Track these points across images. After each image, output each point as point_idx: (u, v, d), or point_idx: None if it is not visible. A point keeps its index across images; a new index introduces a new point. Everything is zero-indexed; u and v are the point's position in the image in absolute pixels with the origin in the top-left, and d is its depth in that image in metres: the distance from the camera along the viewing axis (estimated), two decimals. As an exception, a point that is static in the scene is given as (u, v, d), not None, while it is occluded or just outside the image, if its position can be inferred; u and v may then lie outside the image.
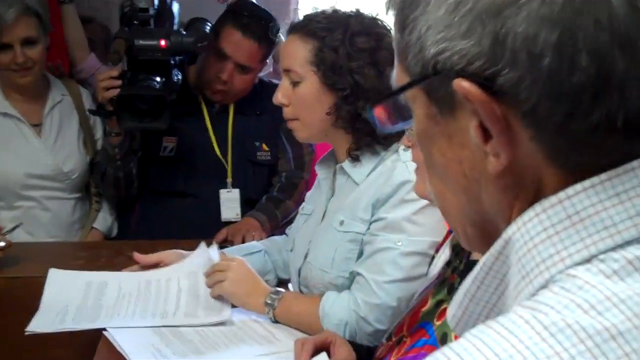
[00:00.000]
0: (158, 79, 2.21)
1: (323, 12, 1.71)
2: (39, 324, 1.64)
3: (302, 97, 1.70)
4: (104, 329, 1.65)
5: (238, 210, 2.51)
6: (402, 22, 0.63)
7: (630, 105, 0.55)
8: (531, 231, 0.58)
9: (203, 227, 2.38)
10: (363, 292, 1.62)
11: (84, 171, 2.49)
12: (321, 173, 1.84)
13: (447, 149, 0.63)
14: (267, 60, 2.58)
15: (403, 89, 0.65)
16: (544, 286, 0.56)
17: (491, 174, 0.60)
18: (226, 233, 2.36)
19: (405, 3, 0.63)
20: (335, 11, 1.72)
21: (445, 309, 1.22)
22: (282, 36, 2.15)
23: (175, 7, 2.29)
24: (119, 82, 2.19)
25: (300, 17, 1.80)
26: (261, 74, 2.64)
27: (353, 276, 1.66)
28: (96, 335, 1.68)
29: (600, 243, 0.56)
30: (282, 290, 1.75)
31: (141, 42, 2.13)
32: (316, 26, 1.67)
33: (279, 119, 2.48)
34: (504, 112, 0.57)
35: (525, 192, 0.60)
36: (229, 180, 2.52)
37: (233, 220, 2.50)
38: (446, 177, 0.65)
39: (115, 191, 2.48)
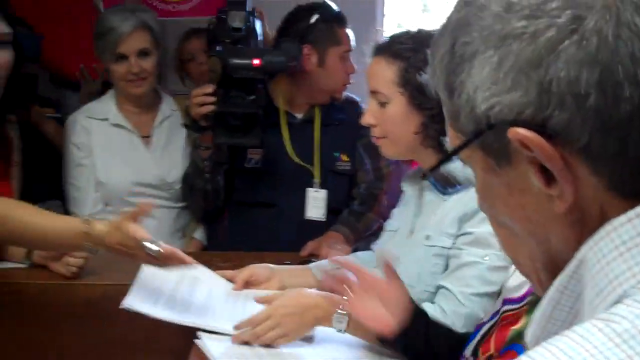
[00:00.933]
0: (249, 96, 2.27)
1: (407, 33, 1.73)
2: (134, 301, 1.67)
3: (390, 117, 1.72)
4: (196, 337, 1.68)
5: (324, 210, 2.55)
6: (450, 87, 0.67)
7: None
8: (603, 249, 0.60)
9: (288, 237, 2.46)
10: (449, 303, 1.62)
11: None
12: (408, 190, 1.86)
13: (509, 197, 0.67)
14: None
15: (460, 148, 0.68)
16: (617, 301, 0.57)
17: (558, 213, 0.63)
18: (311, 248, 2.40)
19: (450, 70, 0.67)
20: (419, 31, 1.73)
21: None
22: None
23: (258, 25, 2.36)
24: (212, 99, 2.27)
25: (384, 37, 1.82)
26: None
27: (438, 290, 1.67)
28: (186, 343, 1.72)
29: None
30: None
31: (235, 61, 2.20)
32: (400, 47, 1.69)
33: (357, 131, 2.53)
34: (561, 152, 0.60)
35: (592, 224, 0.62)
36: (316, 180, 2.56)
37: (317, 220, 2.54)
38: (513, 226, 0.69)
39: (203, 203, 2.54)
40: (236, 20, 2.24)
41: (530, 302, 1.28)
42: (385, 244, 1.90)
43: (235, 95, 2.27)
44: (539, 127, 0.60)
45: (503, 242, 0.73)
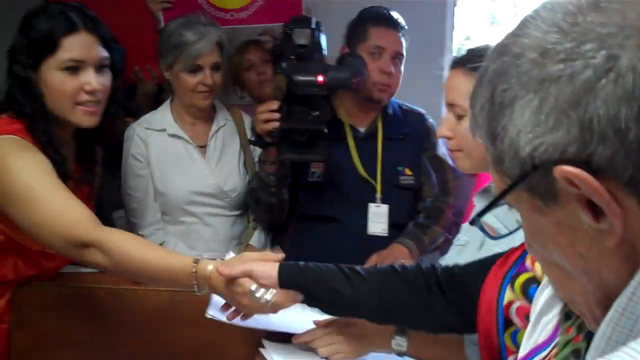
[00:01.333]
0: (313, 111, 2.31)
1: (487, 46, 1.73)
2: (216, 311, 1.69)
3: (466, 131, 1.72)
4: (261, 346, 1.72)
5: (385, 226, 2.56)
6: (492, 134, 0.69)
7: None
8: None
9: (350, 252, 2.45)
10: None
11: (243, 190, 2.62)
12: (479, 205, 1.85)
13: (559, 236, 0.68)
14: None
15: (506, 192, 0.70)
16: None
17: (609, 248, 0.64)
18: (375, 260, 2.41)
19: (491, 117, 0.69)
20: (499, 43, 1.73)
21: None
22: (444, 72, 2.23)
23: (323, 39, 2.39)
24: (277, 116, 2.31)
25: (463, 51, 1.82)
26: None
27: None
28: (250, 352, 1.75)
29: None
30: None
31: (300, 78, 2.23)
32: (480, 59, 1.69)
33: (422, 144, 2.57)
34: (608, 187, 0.62)
35: None
36: (378, 195, 2.57)
37: (379, 235, 2.55)
38: (565, 264, 0.70)
39: (268, 216, 2.58)
40: (301, 38, 2.26)
41: (559, 344, 1.27)
42: (453, 258, 1.90)
43: (299, 111, 2.29)
44: (584, 164, 0.62)
45: (556, 281, 0.75)
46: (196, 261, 1.63)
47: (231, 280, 1.58)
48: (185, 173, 2.57)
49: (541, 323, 1.31)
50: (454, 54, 3.65)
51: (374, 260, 2.41)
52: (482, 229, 1.66)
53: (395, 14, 2.59)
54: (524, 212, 0.71)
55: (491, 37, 1.69)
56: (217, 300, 1.70)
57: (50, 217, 1.69)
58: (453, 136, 1.76)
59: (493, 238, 1.66)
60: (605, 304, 0.68)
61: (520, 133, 0.66)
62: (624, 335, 0.65)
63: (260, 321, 1.71)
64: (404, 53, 2.57)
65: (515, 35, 0.69)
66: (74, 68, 1.88)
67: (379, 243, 2.52)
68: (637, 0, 0.63)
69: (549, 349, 1.29)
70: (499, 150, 0.69)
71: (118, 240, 1.68)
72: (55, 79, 1.88)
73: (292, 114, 2.31)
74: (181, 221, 2.58)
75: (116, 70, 2.01)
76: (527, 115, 0.65)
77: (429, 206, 2.65)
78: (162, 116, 2.62)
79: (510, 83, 0.67)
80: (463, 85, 1.71)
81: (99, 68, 1.93)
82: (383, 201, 2.58)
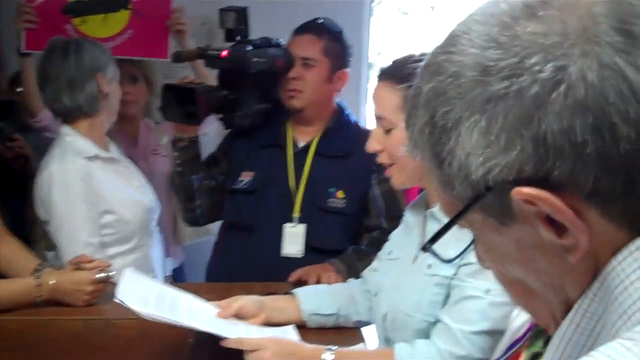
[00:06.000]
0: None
1: (411, 57, 1.68)
2: (126, 296, 1.63)
3: (395, 144, 1.68)
4: None
5: (301, 247, 2.42)
6: (437, 158, 0.65)
7: None
8: (627, 269, 0.59)
9: (267, 267, 2.37)
10: (447, 341, 1.56)
11: None
12: (412, 219, 1.81)
13: (518, 253, 0.65)
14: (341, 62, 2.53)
15: (459, 215, 0.65)
16: None
17: (573, 262, 0.61)
18: (300, 274, 2.29)
19: (434, 141, 0.65)
20: (423, 55, 1.68)
21: None
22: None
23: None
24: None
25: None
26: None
27: (437, 322, 1.61)
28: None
29: None
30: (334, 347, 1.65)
31: (208, 52, 2.43)
32: (405, 71, 1.63)
33: (370, 169, 2.41)
34: (569, 202, 0.59)
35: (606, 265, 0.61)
36: (296, 215, 2.44)
37: (293, 257, 2.41)
38: (527, 280, 0.67)
39: (177, 199, 2.61)
40: (228, 22, 2.44)
41: (531, 337, 1.22)
42: (386, 272, 1.83)
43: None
44: (542, 182, 0.59)
45: (517, 296, 0.72)
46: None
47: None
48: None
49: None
50: (372, 65, 3.65)
51: (297, 274, 2.29)
52: (434, 254, 1.61)
53: (320, 21, 2.52)
54: (479, 232, 0.69)
55: (403, 50, 1.68)
56: (129, 283, 1.70)
57: None
58: (383, 149, 1.72)
59: (446, 261, 1.60)
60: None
61: (470, 156, 0.62)
62: (584, 337, 0.63)
63: (180, 316, 1.67)
64: (318, 57, 2.46)
65: (447, 52, 0.65)
66: None
67: (296, 264, 2.37)
68: (571, 2, 0.60)
69: (525, 339, 1.24)
70: (446, 174, 0.65)
71: None
72: None
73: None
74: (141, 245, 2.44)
75: None
76: (475, 137, 0.61)
77: (374, 236, 2.48)
78: None
79: (451, 104, 0.63)
80: (389, 99, 1.68)
81: None
82: (302, 221, 2.45)
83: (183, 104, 2.37)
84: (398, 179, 1.74)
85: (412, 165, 1.66)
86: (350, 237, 2.50)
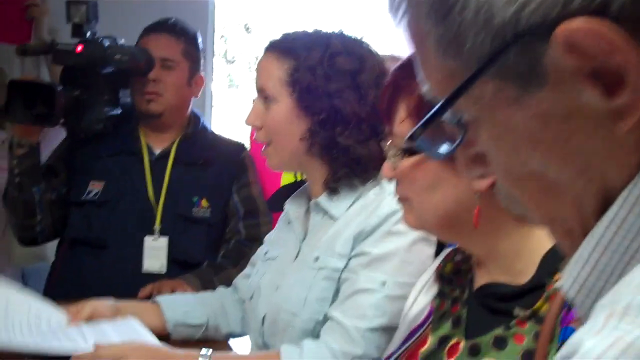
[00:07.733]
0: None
1: (304, 31, 1.61)
2: None
3: (275, 119, 1.57)
4: None
5: (164, 261, 2.24)
6: (444, 4, 0.49)
7: None
8: None
9: (125, 285, 2.11)
10: (340, 340, 1.43)
11: None
12: (292, 212, 1.68)
13: (544, 132, 0.50)
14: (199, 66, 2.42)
15: (467, 84, 0.50)
16: None
17: (624, 131, 0.47)
18: (152, 288, 2.07)
19: None
20: (316, 30, 1.61)
21: (455, 344, 1.13)
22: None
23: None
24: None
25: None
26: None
27: (327, 320, 1.48)
28: None
29: None
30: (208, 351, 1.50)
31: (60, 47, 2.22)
32: (294, 44, 1.56)
33: (233, 177, 2.33)
34: (632, 43, 0.45)
35: None
36: (157, 227, 2.26)
37: (156, 272, 2.22)
38: (549, 171, 0.51)
39: (13, 216, 2.30)
40: (76, 17, 2.22)
41: (434, 321, 1.21)
42: (263, 273, 1.69)
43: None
44: (599, 14, 0.44)
45: (530, 199, 0.55)
46: None
47: None
48: None
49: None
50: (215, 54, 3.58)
51: (149, 289, 2.07)
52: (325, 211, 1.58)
53: (173, 21, 2.38)
54: (486, 112, 0.52)
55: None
56: None
57: None
58: (261, 125, 1.60)
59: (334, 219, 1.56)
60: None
61: None
62: (628, 240, 0.48)
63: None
64: (178, 59, 2.32)
65: None
66: None
67: (158, 280, 2.17)
68: None
69: (427, 324, 1.21)
70: (455, 25, 0.49)
71: None
72: None
73: None
74: None
75: None
76: None
77: (230, 247, 2.34)
78: None
79: None
80: (274, 70, 1.58)
81: None
82: (163, 233, 2.27)
83: (34, 103, 2.13)
84: (274, 159, 1.63)
85: (289, 146, 1.58)
86: (215, 249, 2.35)
